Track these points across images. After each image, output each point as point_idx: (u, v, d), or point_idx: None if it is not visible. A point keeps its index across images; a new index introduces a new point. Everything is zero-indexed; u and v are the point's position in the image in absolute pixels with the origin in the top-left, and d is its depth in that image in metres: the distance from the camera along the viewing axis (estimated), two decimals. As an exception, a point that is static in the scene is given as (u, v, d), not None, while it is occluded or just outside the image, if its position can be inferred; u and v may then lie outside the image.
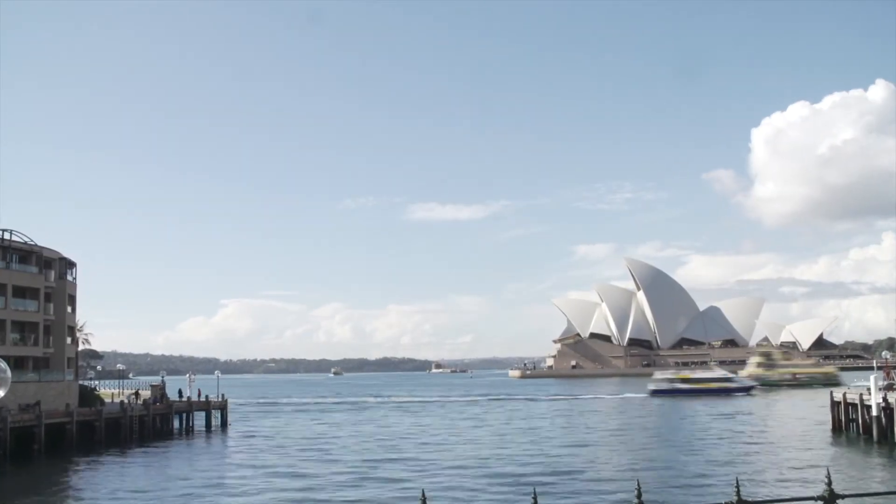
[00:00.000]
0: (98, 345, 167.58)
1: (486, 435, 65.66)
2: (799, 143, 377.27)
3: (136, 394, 74.72)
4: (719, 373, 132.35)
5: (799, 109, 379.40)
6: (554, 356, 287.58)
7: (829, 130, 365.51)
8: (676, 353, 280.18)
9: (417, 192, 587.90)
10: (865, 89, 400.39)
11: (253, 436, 69.01)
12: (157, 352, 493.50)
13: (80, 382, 72.78)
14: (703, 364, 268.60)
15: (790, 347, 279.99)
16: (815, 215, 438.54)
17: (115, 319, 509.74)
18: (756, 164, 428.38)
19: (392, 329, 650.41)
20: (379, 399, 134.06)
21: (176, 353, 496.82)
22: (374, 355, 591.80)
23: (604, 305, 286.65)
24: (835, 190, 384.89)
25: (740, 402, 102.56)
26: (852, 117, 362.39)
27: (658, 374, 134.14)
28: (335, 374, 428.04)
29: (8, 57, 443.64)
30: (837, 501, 6.77)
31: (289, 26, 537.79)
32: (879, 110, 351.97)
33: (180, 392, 76.44)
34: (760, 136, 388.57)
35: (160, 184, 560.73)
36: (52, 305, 63.64)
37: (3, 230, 60.31)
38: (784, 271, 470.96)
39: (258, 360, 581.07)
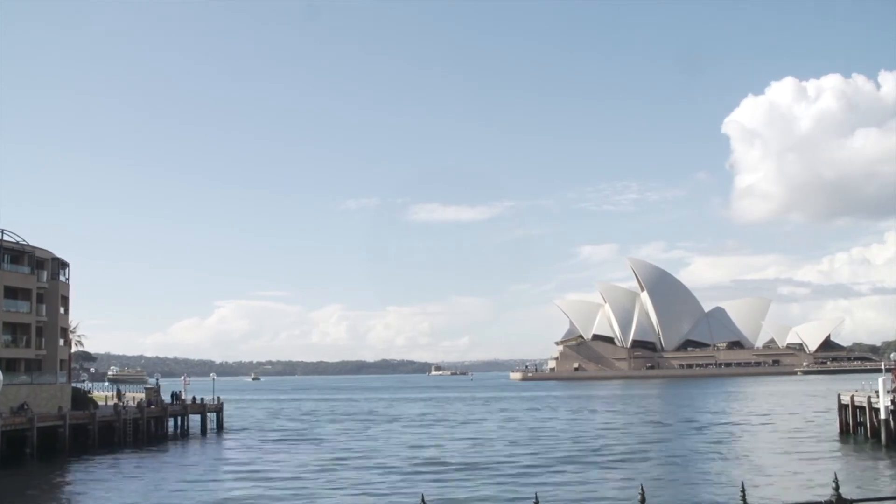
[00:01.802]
0: (91, 347, 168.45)
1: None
2: (795, 140, 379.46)
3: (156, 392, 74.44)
4: None
5: (795, 107, 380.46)
6: (556, 358, 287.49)
7: (828, 125, 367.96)
8: (681, 355, 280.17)
9: (420, 194, 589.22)
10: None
11: (247, 440, 69.01)
12: (151, 354, 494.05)
13: (73, 385, 72.74)
14: (709, 366, 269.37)
15: (797, 349, 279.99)
16: (817, 214, 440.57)
17: (109, 321, 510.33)
18: (748, 163, 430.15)
19: (391, 331, 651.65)
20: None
21: (170, 356, 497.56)
22: (372, 357, 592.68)
23: (607, 306, 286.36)
24: (837, 188, 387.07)
25: (743, 404, 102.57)
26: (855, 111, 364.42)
27: None
28: (254, 378, 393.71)
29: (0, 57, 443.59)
30: (845, 506, 6.76)
31: (287, 24, 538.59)
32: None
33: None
34: (748, 131, 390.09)
35: (155, 184, 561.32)
36: (44, 306, 63.55)
37: (-5, 230, 60.25)
38: (788, 272, 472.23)
39: (254, 362, 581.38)
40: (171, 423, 71.51)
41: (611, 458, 50.79)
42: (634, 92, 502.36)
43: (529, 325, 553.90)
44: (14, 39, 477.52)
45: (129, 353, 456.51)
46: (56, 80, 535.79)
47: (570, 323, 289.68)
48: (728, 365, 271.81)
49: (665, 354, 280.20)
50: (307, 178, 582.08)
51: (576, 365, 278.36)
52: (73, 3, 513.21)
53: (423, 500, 7.16)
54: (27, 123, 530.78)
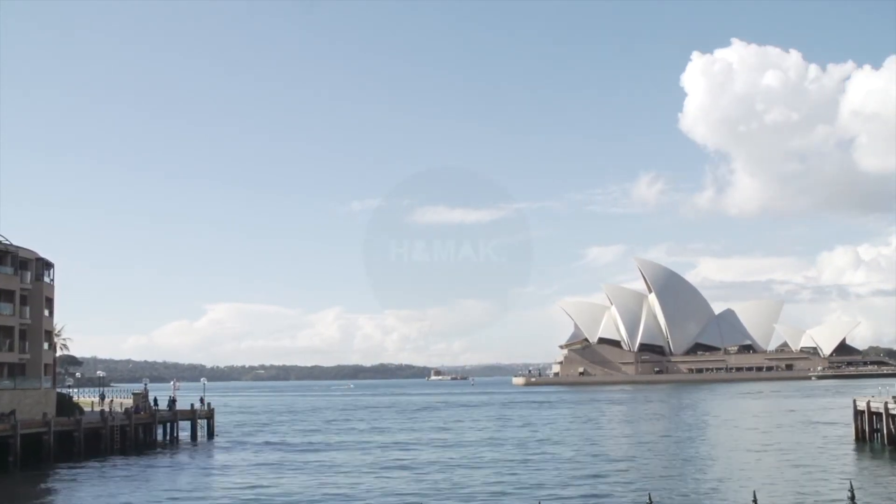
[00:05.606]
0: (77, 350, 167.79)
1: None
2: (799, 141, 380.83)
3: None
4: None
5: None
6: (560, 362, 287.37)
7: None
8: (690, 359, 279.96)
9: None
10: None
11: (240, 448, 69.01)
12: (139, 358, 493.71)
13: (58, 390, 72.71)
14: (720, 371, 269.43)
15: (811, 353, 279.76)
16: (823, 215, 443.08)
17: (95, 324, 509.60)
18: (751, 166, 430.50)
19: (389, 334, 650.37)
20: None
21: (160, 360, 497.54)
22: (370, 361, 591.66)
23: (613, 309, 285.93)
24: (842, 189, 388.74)
25: (750, 405, 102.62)
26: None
27: None
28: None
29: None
30: (861, 515, 6.77)
31: (287, 23, 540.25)
32: None
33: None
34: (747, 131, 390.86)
35: (148, 184, 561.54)
36: (28, 308, 63.48)
37: (-23, 229, 60.19)
38: (794, 274, 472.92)
39: (247, 366, 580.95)
40: (160, 430, 71.49)
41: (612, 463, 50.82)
42: (641, 91, 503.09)
43: (532, 327, 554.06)
44: (11, 39, 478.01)
45: (117, 357, 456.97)
46: (48, 79, 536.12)
47: (575, 326, 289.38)
48: (739, 369, 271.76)
49: (673, 358, 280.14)
50: (311, 180, 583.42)
51: (581, 369, 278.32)
52: (71, 2, 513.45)
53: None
54: (17, 123, 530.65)
